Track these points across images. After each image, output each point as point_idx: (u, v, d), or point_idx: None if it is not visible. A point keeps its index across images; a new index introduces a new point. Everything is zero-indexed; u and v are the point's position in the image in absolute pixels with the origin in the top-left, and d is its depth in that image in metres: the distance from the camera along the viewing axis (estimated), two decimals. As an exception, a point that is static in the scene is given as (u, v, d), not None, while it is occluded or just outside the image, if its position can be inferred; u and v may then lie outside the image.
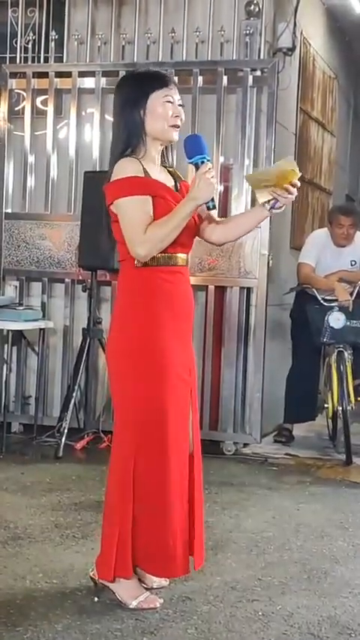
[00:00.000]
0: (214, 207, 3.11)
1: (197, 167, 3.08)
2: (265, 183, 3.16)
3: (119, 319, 3.16)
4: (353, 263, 6.10)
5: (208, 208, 3.10)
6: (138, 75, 3.21)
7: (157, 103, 3.09)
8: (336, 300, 5.80)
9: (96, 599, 3.20)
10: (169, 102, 3.11)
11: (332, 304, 5.79)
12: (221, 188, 5.75)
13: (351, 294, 5.85)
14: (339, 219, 6.05)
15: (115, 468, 3.18)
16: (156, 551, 3.14)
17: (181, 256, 3.14)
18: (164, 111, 3.10)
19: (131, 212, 3.02)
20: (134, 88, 3.13)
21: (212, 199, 3.06)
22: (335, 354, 5.82)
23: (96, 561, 3.23)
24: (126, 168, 3.04)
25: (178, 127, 3.14)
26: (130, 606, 3.13)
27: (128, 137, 3.11)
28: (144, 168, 3.08)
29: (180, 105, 3.15)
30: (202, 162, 3.06)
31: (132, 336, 3.09)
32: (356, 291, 5.87)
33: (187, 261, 3.19)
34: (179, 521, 3.13)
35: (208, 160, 3.08)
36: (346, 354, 5.80)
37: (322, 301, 5.80)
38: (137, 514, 3.12)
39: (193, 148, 3.11)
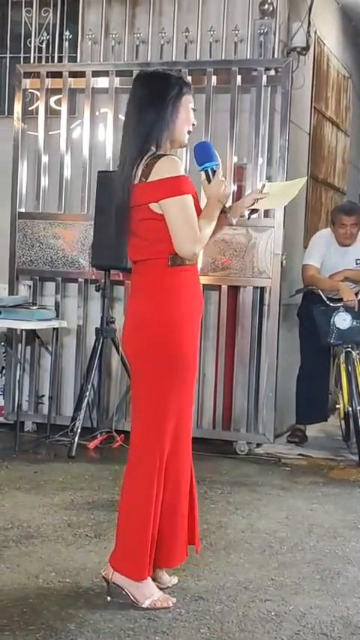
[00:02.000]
0: (256, 213, 3.35)
1: (206, 174, 3.18)
2: (280, 197, 3.32)
3: (145, 318, 3.12)
4: (358, 262, 6.08)
5: (250, 216, 3.41)
6: (171, 75, 3.19)
7: (185, 106, 3.16)
8: (341, 300, 5.78)
9: (109, 598, 3.20)
10: (192, 108, 3.20)
11: (338, 304, 5.77)
12: (235, 188, 5.74)
13: (356, 294, 5.83)
14: (341, 219, 6.03)
15: (139, 466, 3.14)
16: (173, 545, 3.21)
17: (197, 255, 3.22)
18: (188, 116, 3.17)
19: (187, 210, 3.04)
20: (170, 86, 3.13)
21: (255, 208, 3.36)
22: (343, 354, 5.81)
23: (113, 559, 3.20)
24: (176, 167, 3.05)
25: (190, 133, 3.23)
26: (144, 605, 3.13)
27: (157, 133, 3.09)
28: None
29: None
30: (214, 170, 3.17)
31: (159, 335, 3.09)
32: None
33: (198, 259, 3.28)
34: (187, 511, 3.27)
35: (218, 166, 3.20)
36: (354, 353, 5.79)
37: (327, 301, 5.78)
38: (164, 511, 3.15)
39: (204, 155, 3.19)
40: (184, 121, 3.14)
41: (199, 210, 3.13)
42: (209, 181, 3.18)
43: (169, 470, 3.16)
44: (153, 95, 3.11)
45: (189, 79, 5.55)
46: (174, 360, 3.11)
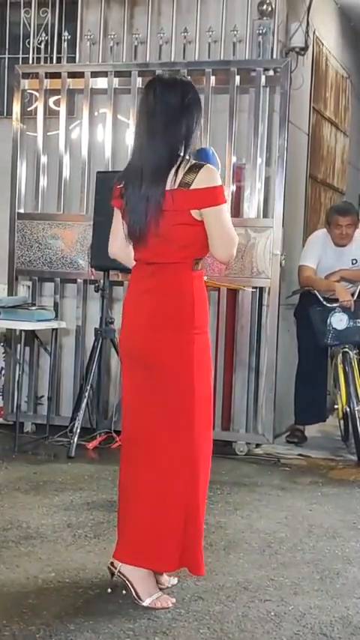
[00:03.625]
0: None
1: None
2: None
3: (175, 319, 3.16)
4: (354, 262, 6.08)
5: None
6: (191, 83, 3.27)
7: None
8: (338, 301, 5.78)
9: (109, 590, 3.23)
10: None
11: (334, 305, 5.77)
12: (234, 188, 5.74)
13: (353, 295, 5.83)
14: (337, 219, 6.03)
15: (181, 462, 3.16)
16: (196, 543, 3.21)
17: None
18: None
19: (228, 218, 3.19)
20: (195, 95, 3.22)
21: None
22: (341, 354, 5.81)
23: (134, 551, 3.19)
24: (217, 176, 3.16)
25: None
26: (144, 603, 3.14)
27: (187, 140, 3.16)
28: None
29: None
30: None
31: (185, 336, 3.16)
32: (358, 290, 5.86)
33: None
34: None
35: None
36: (351, 354, 5.79)
37: (324, 302, 5.78)
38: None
39: (206, 160, 3.27)
40: (198, 130, 3.24)
41: None
42: None
43: (207, 461, 3.27)
44: (187, 101, 3.16)
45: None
46: (201, 361, 3.20)
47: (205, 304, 3.26)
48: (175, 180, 3.10)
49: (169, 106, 3.14)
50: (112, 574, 3.23)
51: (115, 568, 3.22)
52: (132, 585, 3.17)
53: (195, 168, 3.10)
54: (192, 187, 3.08)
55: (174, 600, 3.20)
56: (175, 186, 3.10)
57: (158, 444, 3.18)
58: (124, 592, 3.24)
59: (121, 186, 3.24)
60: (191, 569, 3.22)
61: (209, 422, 3.26)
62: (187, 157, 3.15)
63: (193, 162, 3.13)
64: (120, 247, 3.34)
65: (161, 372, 3.17)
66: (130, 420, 3.27)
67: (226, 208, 3.16)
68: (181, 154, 3.14)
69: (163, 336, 3.16)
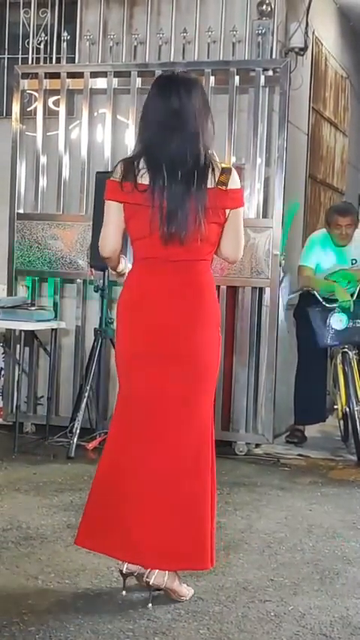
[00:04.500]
0: None
1: None
2: None
3: (212, 316, 3.22)
4: (354, 262, 6.07)
5: None
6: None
7: None
8: (337, 301, 5.77)
9: (124, 593, 3.24)
10: None
11: (333, 305, 5.76)
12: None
13: (352, 295, 5.82)
14: (336, 219, 6.02)
15: (204, 461, 3.20)
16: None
17: None
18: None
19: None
20: (206, 96, 3.31)
21: None
22: (340, 355, 5.81)
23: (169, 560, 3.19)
24: (239, 179, 3.25)
25: None
26: (186, 598, 3.22)
27: (210, 139, 3.20)
28: None
29: None
30: None
31: (216, 332, 3.27)
32: (357, 290, 5.85)
33: None
34: None
35: None
36: (350, 354, 5.79)
37: (323, 302, 5.78)
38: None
39: None
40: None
41: None
42: None
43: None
44: (204, 103, 3.21)
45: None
46: (219, 357, 3.33)
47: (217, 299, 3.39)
48: (213, 179, 3.15)
49: (198, 105, 3.16)
50: (125, 577, 3.23)
51: (125, 574, 3.23)
52: (170, 590, 3.19)
53: (227, 169, 3.19)
54: (229, 188, 3.17)
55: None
56: (213, 185, 3.15)
57: (168, 442, 3.17)
58: (123, 593, 3.24)
59: (126, 181, 3.15)
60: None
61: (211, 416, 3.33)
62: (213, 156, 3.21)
63: (226, 165, 3.22)
64: (118, 246, 3.28)
65: (190, 370, 3.16)
66: (133, 418, 3.22)
67: (242, 212, 3.31)
68: (210, 152, 3.19)
69: (203, 332, 3.18)
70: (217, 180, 3.14)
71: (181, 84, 3.18)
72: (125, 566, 3.21)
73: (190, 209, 3.11)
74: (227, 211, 3.20)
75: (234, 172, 3.21)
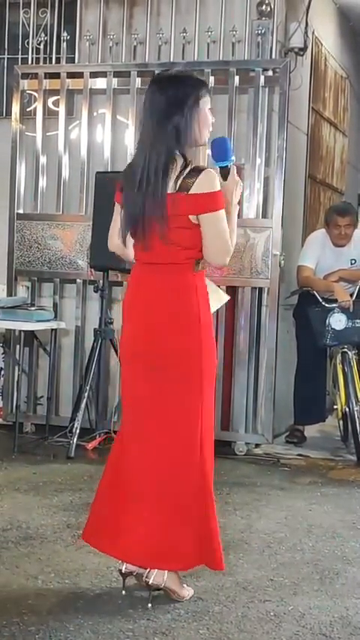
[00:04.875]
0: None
1: (222, 170, 3.23)
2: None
3: (182, 319, 3.17)
4: (353, 262, 6.07)
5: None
6: (190, 77, 3.22)
7: (205, 107, 3.17)
8: (337, 301, 5.77)
9: (124, 592, 3.24)
10: (210, 109, 3.21)
11: (333, 305, 5.76)
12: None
13: (351, 295, 5.82)
14: (336, 219, 6.02)
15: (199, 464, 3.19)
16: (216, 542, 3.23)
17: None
18: (207, 118, 3.19)
19: (222, 225, 3.13)
20: (187, 88, 3.13)
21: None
22: (340, 355, 5.81)
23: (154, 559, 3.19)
24: (216, 182, 3.12)
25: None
26: (186, 598, 3.20)
27: (182, 138, 3.11)
28: None
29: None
30: (228, 167, 3.24)
31: (198, 334, 3.18)
32: (357, 290, 5.85)
33: None
34: None
35: (233, 163, 3.26)
36: (350, 354, 5.79)
37: (323, 302, 5.78)
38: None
39: (222, 151, 3.24)
40: (205, 123, 3.17)
41: None
42: (225, 179, 3.23)
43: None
44: (172, 103, 3.10)
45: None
46: (208, 359, 3.21)
47: (207, 303, 3.26)
48: (176, 183, 3.08)
49: (160, 107, 3.11)
50: (124, 576, 3.23)
51: (124, 573, 3.23)
52: (172, 591, 3.19)
53: (195, 172, 3.08)
54: (191, 192, 3.07)
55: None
56: (173, 191, 3.08)
57: (159, 442, 3.18)
58: (123, 592, 3.24)
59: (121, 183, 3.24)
60: (209, 563, 3.24)
61: (212, 417, 3.28)
62: (190, 159, 3.12)
63: (195, 166, 3.11)
64: (119, 242, 3.33)
65: (171, 372, 3.17)
66: (130, 419, 3.26)
67: (222, 215, 3.11)
68: (179, 154, 3.11)
69: (172, 337, 3.16)
70: (179, 184, 3.07)
71: (153, 84, 3.19)
72: (124, 565, 3.22)
73: (149, 215, 3.12)
74: (194, 216, 3.09)
75: (203, 175, 3.06)
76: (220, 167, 3.24)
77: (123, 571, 3.23)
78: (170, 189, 3.08)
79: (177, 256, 3.15)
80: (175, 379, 3.18)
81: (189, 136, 3.12)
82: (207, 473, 3.20)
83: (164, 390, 3.19)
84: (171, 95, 3.11)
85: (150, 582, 3.15)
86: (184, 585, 3.27)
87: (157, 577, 3.15)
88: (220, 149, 3.24)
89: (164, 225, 3.10)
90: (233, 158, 3.26)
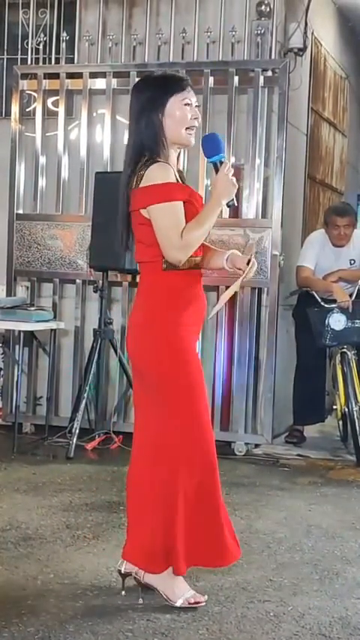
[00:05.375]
0: (234, 206, 3.24)
1: (215, 166, 3.18)
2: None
3: (143, 320, 3.16)
4: (352, 262, 6.08)
5: (229, 206, 3.22)
6: (156, 78, 3.21)
7: (176, 106, 3.12)
8: (336, 301, 5.77)
9: (123, 593, 3.22)
10: (187, 104, 3.15)
11: (332, 305, 5.76)
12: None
13: (351, 295, 5.82)
14: (335, 220, 6.02)
15: (155, 463, 3.14)
16: (213, 543, 3.18)
17: (197, 259, 3.19)
18: (183, 114, 3.14)
19: (170, 217, 3.04)
20: (153, 90, 3.14)
21: (233, 198, 3.16)
22: (339, 355, 5.81)
23: (140, 557, 3.19)
24: (162, 174, 3.06)
25: (195, 127, 3.18)
26: (177, 604, 3.14)
27: (149, 140, 3.11)
28: (174, 173, 3.13)
29: (196, 106, 3.20)
30: (221, 162, 3.16)
31: (157, 336, 3.11)
32: (356, 290, 5.85)
33: (202, 263, 3.25)
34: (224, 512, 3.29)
35: (224, 159, 3.18)
36: (349, 354, 5.79)
37: (322, 302, 5.78)
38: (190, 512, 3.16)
39: (212, 146, 3.20)
40: (177, 121, 3.12)
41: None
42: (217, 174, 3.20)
43: (197, 468, 3.19)
44: (141, 103, 3.14)
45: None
46: (176, 362, 3.11)
47: (181, 305, 3.13)
48: (134, 181, 3.11)
49: (132, 109, 3.19)
50: (123, 576, 3.23)
51: (123, 574, 3.23)
52: (161, 591, 3.17)
53: (146, 167, 3.08)
54: (140, 186, 3.08)
55: (206, 597, 3.20)
56: (134, 187, 3.11)
57: (135, 443, 3.24)
58: (123, 593, 3.24)
59: None
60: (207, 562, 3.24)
61: (195, 412, 3.16)
62: (161, 157, 3.11)
63: (150, 160, 3.09)
64: None
65: (134, 374, 3.25)
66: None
67: (172, 207, 3.03)
68: (148, 154, 3.11)
69: (131, 336, 3.21)
70: (134, 181, 3.10)
71: (134, 87, 3.26)
72: (124, 565, 3.22)
73: (120, 214, 3.18)
74: (145, 211, 3.07)
75: (149, 169, 3.05)
76: (211, 163, 3.21)
77: (122, 571, 3.23)
78: (134, 187, 3.11)
79: (144, 254, 3.16)
80: (137, 382, 3.24)
81: (159, 136, 3.11)
82: (168, 483, 3.14)
83: (135, 390, 3.30)
84: (141, 96, 3.16)
85: (142, 581, 3.19)
86: (179, 592, 3.18)
87: (146, 576, 3.18)
88: (208, 145, 3.21)
89: (126, 222, 3.17)
90: (222, 155, 3.19)
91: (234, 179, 3.15)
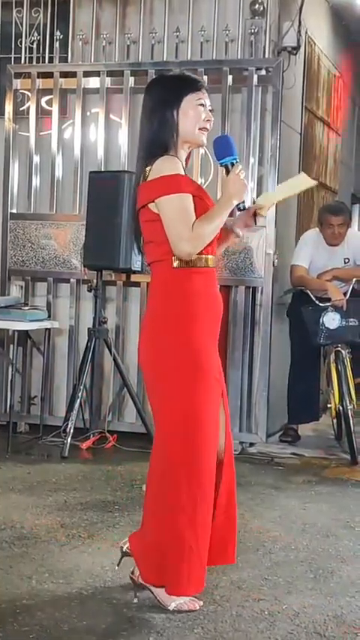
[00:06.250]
0: (244, 209, 3.21)
1: (226, 168, 3.17)
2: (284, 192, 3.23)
3: (155, 321, 3.11)
4: (346, 261, 6.08)
5: (239, 209, 3.19)
6: (172, 77, 3.22)
7: (190, 105, 3.12)
8: (330, 300, 5.78)
9: (136, 600, 3.19)
10: (201, 105, 3.15)
11: (326, 304, 5.77)
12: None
13: (345, 294, 5.83)
14: (329, 219, 6.03)
15: (162, 472, 3.11)
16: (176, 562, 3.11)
17: (212, 257, 3.17)
18: (196, 114, 3.13)
19: (180, 209, 2.99)
20: (169, 89, 3.14)
21: (243, 200, 3.16)
22: (333, 354, 5.82)
23: (140, 562, 3.18)
24: (171, 165, 3.03)
25: (208, 130, 3.18)
26: (170, 608, 3.10)
27: (161, 137, 3.09)
28: (183, 167, 3.12)
29: (210, 110, 3.19)
30: (233, 164, 3.15)
31: (170, 338, 3.07)
32: (350, 289, 5.86)
33: (216, 262, 3.22)
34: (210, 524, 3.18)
35: (237, 161, 3.16)
36: (344, 353, 5.79)
37: (316, 301, 5.78)
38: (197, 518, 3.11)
39: (224, 149, 3.19)
40: (190, 119, 3.11)
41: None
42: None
43: (190, 473, 3.09)
44: (154, 102, 3.14)
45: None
46: (189, 364, 3.08)
47: (196, 304, 3.08)
48: (142, 176, 3.10)
49: (145, 108, 3.19)
50: (135, 582, 3.22)
51: (124, 551, 3.26)
52: (155, 594, 3.16)
53: (154, 160, 3.06)
54: (148, 180, 3.05)
55: (201, 603, 3.16)
56: (141, 181, 3.10)
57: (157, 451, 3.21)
58: (116, 568, 3.26)
59: None
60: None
61: (173, 427, 3.09)
62: (170, 153, 3.10)
63: (160, 154, 3.07)
64: None
65: (143, 368, 3.21)
66: None
67: (181, 199, 2.98)
68: (159, 152, 3.09)
69: (144, 334, 3.18)
70: (143, 176, 3.08)
71: (148, 85, 3.27)
72: (126, 545, 3.26)
73: (132, 213, 3.19)
74: (154, 205, 3.02)
75: (157, 161, 3.02)
76: (223, 166, 3.19)
77: (123, 549, 3.26)
78: (141, 182, 3.10)
79: (154, 254, 3.12)
80: (149, 382, 3.21)
81: (172, 135, 3.10)
82: (178, 482, 3.09)
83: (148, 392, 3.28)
84: (155, 94, 3.16)
85: (136, 580, 3.20)
86: (182, 598, 3.15)
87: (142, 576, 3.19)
88: (218, 147, 3.20)
89: (137, 220, 3.14)
90: (235, 157, 3.16)
91: (245, 181, 3.15)
